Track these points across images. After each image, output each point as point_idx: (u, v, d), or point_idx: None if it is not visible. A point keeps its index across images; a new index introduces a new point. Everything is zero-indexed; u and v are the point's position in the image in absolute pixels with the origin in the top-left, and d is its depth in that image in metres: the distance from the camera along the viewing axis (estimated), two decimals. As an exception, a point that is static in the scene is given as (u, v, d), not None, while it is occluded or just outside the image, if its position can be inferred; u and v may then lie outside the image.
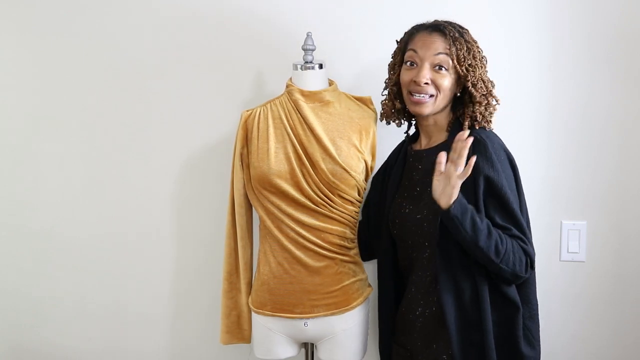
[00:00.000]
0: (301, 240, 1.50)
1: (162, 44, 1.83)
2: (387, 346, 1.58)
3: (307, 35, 1.54)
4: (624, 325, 1.82)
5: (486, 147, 1.36)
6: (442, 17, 1.74)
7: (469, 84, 1.39)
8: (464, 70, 1.38)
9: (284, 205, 1.50)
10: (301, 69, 1.53)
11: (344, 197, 1.52)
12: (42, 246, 1.93)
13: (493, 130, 1.45)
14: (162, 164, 1.87)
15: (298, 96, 1.52)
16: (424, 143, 1.50)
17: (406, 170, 1.52)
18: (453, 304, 1.37)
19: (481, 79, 1.39)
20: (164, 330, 1.93)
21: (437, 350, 1.41)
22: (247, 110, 1.56)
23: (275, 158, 1.49)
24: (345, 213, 1.53)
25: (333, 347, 1.57)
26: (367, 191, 1.64)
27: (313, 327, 1.54)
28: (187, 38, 1.82)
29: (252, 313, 1.60)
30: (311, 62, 1.54)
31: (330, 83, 1.59)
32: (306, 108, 1.51)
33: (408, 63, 1.43)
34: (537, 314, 1.45)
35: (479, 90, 1.40)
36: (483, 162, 1.34)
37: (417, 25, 1.46)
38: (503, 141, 1.44)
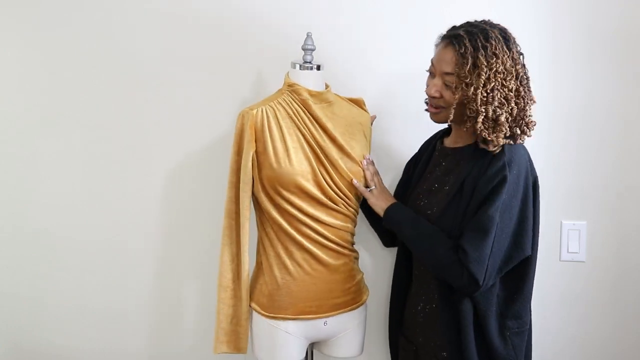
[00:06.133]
0: (322, 239, 1.49)
1: (162, 44, 1.83)
2: (395, 338, 1.59)
3: (307, 35, 1.54)
4: (624, 325, 1.82)
5: (498, 169, 1.32)
6: (441, 18, 1.75)
7: (464, 101, 1.34)
8: (461, 89, 1.33)
9: (305, 206, 1.47)
10: (300, 68, 1.53)
11: (358, 195, 1.54)
12: (42, 247, 1.92)
13: (519, 145, 1.39)
14: (162, 164, 1.87)
15: (307, 96, 1.50)
16: (452, 140, 1.48)
17: (431, 164, 1.53)
18: (448, 302, 1.38)
19: (474, 99, 1.30)
20: (165, 332, 1.93)
21: (435, 348, 1.41)
22: (251, 109, 1.48)
23: (295, 158, 1.46)
24: (355, 210, 1.56)
25: (343, 343, 1.58)
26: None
27: (331, 325, 1.54)
28: (187, 38, 1.82)
29: (264, 320, 1.52)
30: (310, 62, 1.53)
31: (326, 85, 1.59)
32: (316, 108, 1.51)
33: (429, 72, 1.44)
34: (526, 331, 1.41)
35: (466, 112, 1.34)
36: (483, 179, 1.32)
37: (442, 34, 1.42)
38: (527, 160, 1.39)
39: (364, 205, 1.58)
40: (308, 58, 1.53)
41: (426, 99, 1.45)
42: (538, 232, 1.41)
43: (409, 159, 1.67)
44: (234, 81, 1.82)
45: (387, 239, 1.67)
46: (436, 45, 1.42)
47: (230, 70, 1.81)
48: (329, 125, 1.50)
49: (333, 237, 1.50)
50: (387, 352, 1.68)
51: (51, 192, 1.90)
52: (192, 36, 1.82)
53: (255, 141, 1.48)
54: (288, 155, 1.46)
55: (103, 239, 1.90)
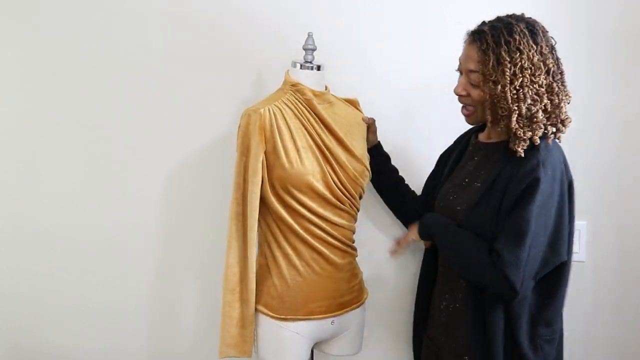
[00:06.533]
0: (329, 238, 1.49)
1: (162, 44, 1.83)
2: (418, 336, 1.57)
3: (308, 35, 1.54)
4: (623, 325, 1.82)
5: (530, 171, 1.26)
6: (441, 18, 1.76)
7: (495, 100, 1.30)
8: (487, 88, 1.30)
9: (315, 206, 1.46)
10: (301, 67, 1.53)
11: (361, 194, 1.57)
12: (42, 247, 1.92)
13: (556, 145, 1.34)
14: (162, 164, 1.86)
15: (311, 96, 1.50)
16: (486, 136, 1.45)
17: (464, 158, 1.49)
18: (474, 302, 1.34)
19: (504, 97, 1.26)
20: (165, 332, 1.93)
21: (457, 349, 1.37)
22: (257, 109, 1.45)
23: (306, 158, 1.45)
24: (358, 209, 1.57)
25: (344, 341, 1.59)
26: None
27: (337, 324, 1.55)
28: (187, 38, 1.82)
29: (273, 322, 1.50)
30: (311, 62, 1.53)
31: (325, 86, 1.59)
32: (321, 108, 1.50)
33: (458, 71, 1.40)
34: (557, 339, 1.36)
35: (498, 111, 1.29)
36: (515, 177, 1.28)
37: (470, 30, 1.38)
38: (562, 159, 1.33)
39: (379, 188, 1.63)
40: (309, 58, 1.53)
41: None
42: (573, 237, 1.35)
43: (442, 152, 1.62)
44: (234, 81, 1.81)
45: (405, 218, 1.66)
46: (464, 42, 1.39)
47: (230, 70, 1.81)
48: (333, 125, 1.50)
49: (339, 236, 1.51)
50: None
51: (51, 192, 1.90)
52: (192, 36, 1.82)
53: (264, 141, 1.45)
54: (299, 155, 1.45)
55: (103, 239, 1.90)
